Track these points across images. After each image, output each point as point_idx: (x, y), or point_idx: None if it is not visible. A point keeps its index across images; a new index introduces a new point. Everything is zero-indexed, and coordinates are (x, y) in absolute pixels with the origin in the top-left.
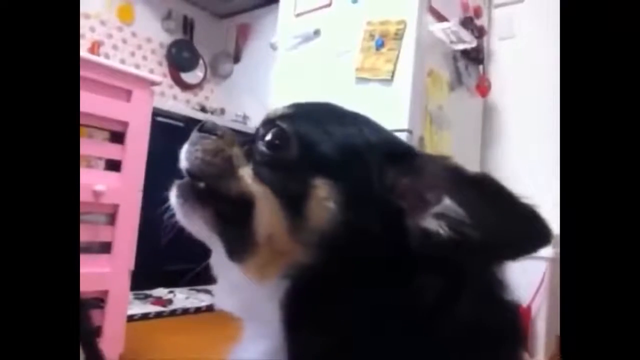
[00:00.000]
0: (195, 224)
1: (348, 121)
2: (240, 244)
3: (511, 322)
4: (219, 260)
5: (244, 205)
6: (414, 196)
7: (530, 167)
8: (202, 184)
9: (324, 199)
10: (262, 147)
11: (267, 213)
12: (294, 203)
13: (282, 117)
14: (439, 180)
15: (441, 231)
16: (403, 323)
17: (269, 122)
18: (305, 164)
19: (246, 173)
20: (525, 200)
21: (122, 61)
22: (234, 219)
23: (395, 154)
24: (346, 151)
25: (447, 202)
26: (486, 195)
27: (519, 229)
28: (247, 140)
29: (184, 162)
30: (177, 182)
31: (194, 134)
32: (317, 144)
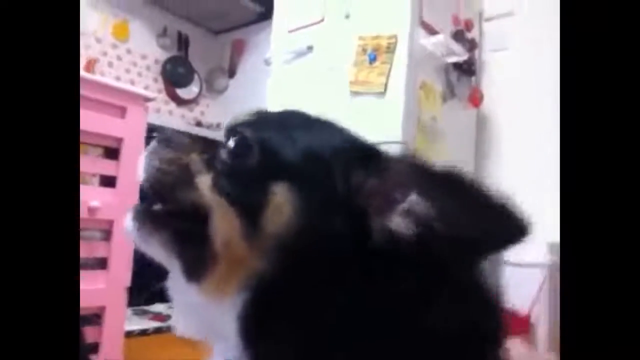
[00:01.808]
0: (152, 247)
1: (312, 127)
2: (198, 261)
3: (490, 322)
4: (175, 283)
5: (200, 217)
6: (380, 197)
7: (526, 175)
8: (157, 207)
9: (281, 204)
10: (223, 155)
11: (222, 223)
12: (250, 210)
13: (245, 124)
14: (406, 178)
15: (406, 230)
16: (373, 328)
17: (232, 130)
18: (266, 170)
19: (203, 182)
20: (496, 195)
21: (118, 78)
22: (191, 234)
23: (360, 156)
24: (309, 156)
25: (413, 198)
26: (453, 190)
27: (488, 222)
28: (209, 148)
29: (140, 172)
30: (133, 206)
31: (152, 144)
32: (280, 150)
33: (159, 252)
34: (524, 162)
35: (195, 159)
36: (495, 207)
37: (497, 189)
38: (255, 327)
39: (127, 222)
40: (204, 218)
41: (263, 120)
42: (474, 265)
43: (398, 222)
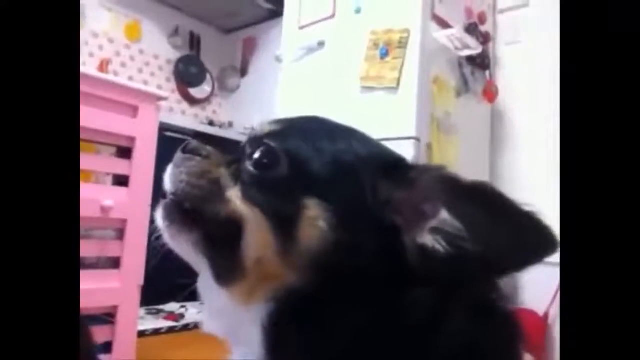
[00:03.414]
0: (182, 247)
1: (337, 136)
2: (228, 268)
3: (507, 337)
4: (205, 282)
5: (233, 228)
6: (409, 210)
7: (541, 171)
8: (188, 204)
9: (314, 220)
10: (250, 167)
11: (257, 236)
12: (284, 225)
13: (270, 134)
14: (435, 192)
15: (438, 247)
16: (392, 342)
17: (257, 140)
18: (296, 183)
19: (234, 195)
20: (526, 209)
21: (131, 78)
22: (222, 242)
23: (387, 167)
24: (337, 168)
25: (444, 215)
26: (485, 206)
27: (521, 239)
28: (234, 159)
29: (168, 185)
30: (162, 202)
31: (178, 155)
32: (308, 162)
33: (188, 252)
34: (540, 157)
35: (223, 172)
36: (527, 224)
37: (524, 202)
38: (278, 337)
39: (157, 219)
40: (237, 228)
41: (287, 130)
42: (495, 278)
43: (429, 240)
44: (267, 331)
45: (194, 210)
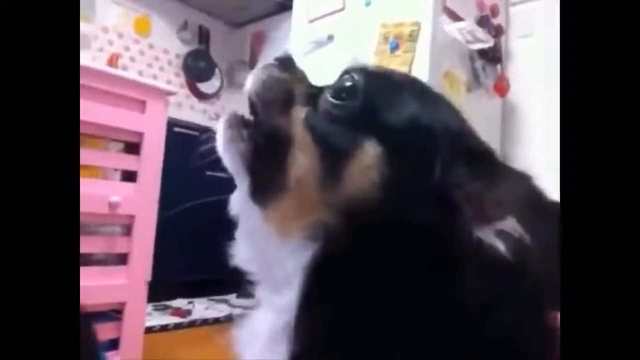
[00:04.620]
0: (230, 154)
1: (430, 100)
2: (267, 183)
3: (548, 338)
4: (241, 201)
5: (283, 143)
6: (478, 203)
7: (552, 166)
8: (250, 117)
9: (368, 163)
10: (327, 93)
11: (304, 157)
12: (333, 156)
13: (360, 69)
14: (512, 198)
15: (500, 247)
16: (437, 326)
17: (346, 72)
18: (363, 123)
19: (298, 112)
20: None
21: (140, 73)
22: (268, 155)
23: (471, 153)
24: (413, 126)
25: (511, 223)
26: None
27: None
28: (321, 87)
29: (249, 85)
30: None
31: (269, 62)
32: (384, 108)
33: (234, 161)
34: (552, 152)
35: (299, 88)
36: None
37: None
38: (320, 283)
39: (219, 126)
40: (286, 146)
41: (381, 74)
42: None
43: (491, 238)
44: (307, 274)
45: (254, 121)
